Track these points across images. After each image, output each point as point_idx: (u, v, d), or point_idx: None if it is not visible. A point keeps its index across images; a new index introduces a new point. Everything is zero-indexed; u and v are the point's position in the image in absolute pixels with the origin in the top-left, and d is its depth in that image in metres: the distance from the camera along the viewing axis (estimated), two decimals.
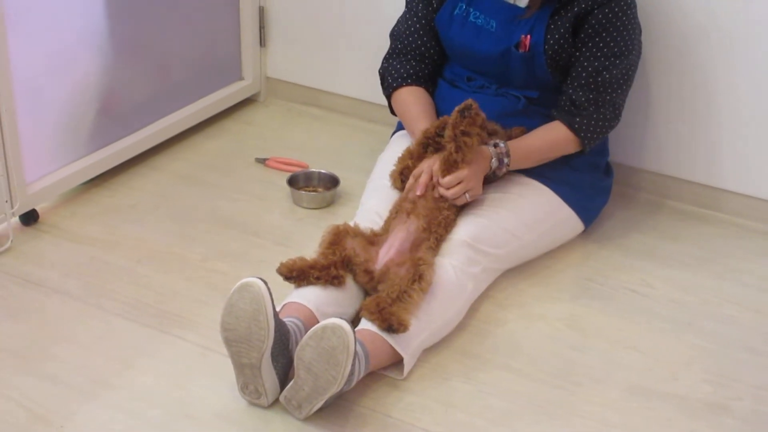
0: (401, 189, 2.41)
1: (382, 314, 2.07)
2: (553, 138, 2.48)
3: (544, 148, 2.47)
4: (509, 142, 2.42)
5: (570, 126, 2.46)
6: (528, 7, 2.46)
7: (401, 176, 2.42)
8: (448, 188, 2.30)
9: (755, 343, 2.32)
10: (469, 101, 2.29)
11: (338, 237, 2.24)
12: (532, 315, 2.38)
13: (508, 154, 2.40)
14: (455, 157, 2.29)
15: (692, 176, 2.87)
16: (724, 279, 2.56)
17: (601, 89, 2.45)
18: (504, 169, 2.41)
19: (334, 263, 2.19)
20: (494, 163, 2.39)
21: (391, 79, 2.64)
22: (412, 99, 2.59)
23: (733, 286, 2.53)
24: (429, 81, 2.64)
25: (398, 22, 2.67)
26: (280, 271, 2.19)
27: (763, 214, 2.80)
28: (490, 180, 2.43)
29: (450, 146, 2.29)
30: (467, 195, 2.33)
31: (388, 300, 2.09)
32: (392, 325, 2.06)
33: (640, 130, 2.87)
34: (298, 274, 2.17)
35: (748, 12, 2.62)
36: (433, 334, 2.19)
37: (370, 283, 2.21)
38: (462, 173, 2.30)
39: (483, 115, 2.31)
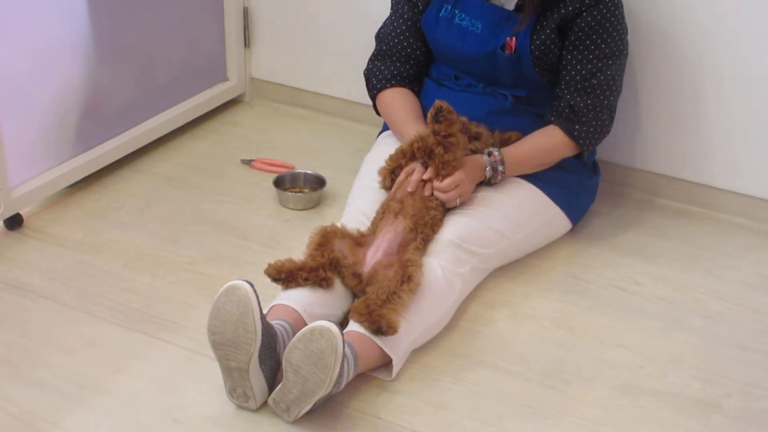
0: (389, 188, 2.40)
1: (372, 316, 2.06)
2: (549, 145, 2.48)
3: (540, 155, 2.48)
4: (504, 150, 2.42)
5: (569, 133, 2.47)
6: (518, 11, 2.46)
7: (392, 175, 2.41)
8: (445, 192, 2.31)
9: (744, 340, 2.32)
10: (437, 103, 2.30)
11: (326, 238, 2.23)
12: (520, 314, 2.38)
13: (502, 162, 2.41)
14: (447, 158, 2.30)
15: (679, 174, 2.87)
16: (713, 275, 2.56)
17: (598, 92, 2.45)
18: (499, 177, 2.42)
19: (323, 265, 2.18)
20: (488, 172, 2.40)
21: (375, 80, 2.64)
22: (399, 101, 2.59)
23: (721, 283, 2.53)
24: (414, 82, 2.64)
25: (384, 24, 2.67)
26: (268, 272, 2.18)
27: (750, 210, 2.80)
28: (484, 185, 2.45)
29: (438, 150, 2.30)
30: (458, 200, 2.35)
31: (377, 302, 2.08)
32: (381, 327, 2.05)
33: (627, 128, 2.87)
34: (286, 275, 2.16)
35: (730, 11, 2.62)
36: (421, 335, 2.18)
37: (358, 286, 2.20)
38: (459, 176, 2.32)
39: (455, 113, 2.33)
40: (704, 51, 2.70)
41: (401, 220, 2.27)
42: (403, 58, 2.62)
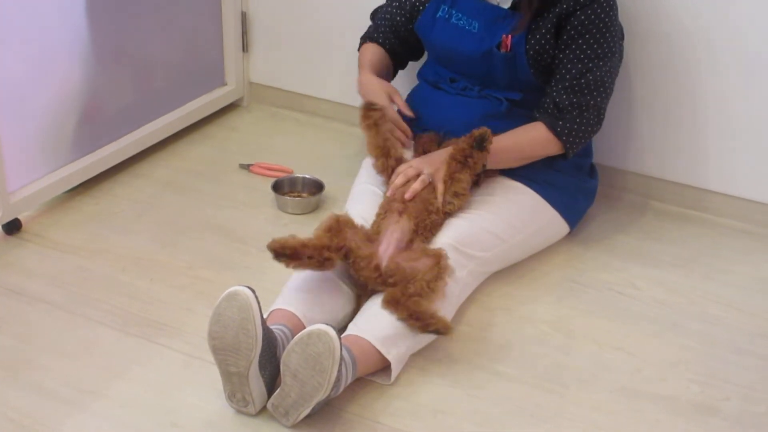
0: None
1: (423, 318, 2.07)
2: (532, 136, 2.47)
3: (523, 147, 2.47)
4: None
5: (552, 128, 2.46)
6: (514, 9, 2.46)
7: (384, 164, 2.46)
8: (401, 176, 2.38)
9: (742, 343, 2.32)
10: (483, 131, 2.32)
11: (338, 224, 2.20)
12: (518, 318, 2.38)
13: None
14: (462, 176, 2.35)
15: (676, 177, 2.87)
16: (710, 279, 2.56)
17: (585, 92, 2.44)
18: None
19: (327, 246, 2.15)
20: None
21: (362, 38, 2.79)
22: (368, 53, 2.72)
23: (718, 286, 2.53)
24: (391, 48, 2.74)
25: (379, 7, 2.80)
26: (272, 247, 2.13)
27: (746, 214, 2.81)
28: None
29: (465, 169, 2.35)
30: (424, 176, 2.35)
31: (416, 297, 2.10)
32: (439, 329, 2.08)
33: (623, 132, 2.88)
34: (290, 252, 2.12)
35: (731, 13, 2.63)
36: (420, 339, 2.18)
37: (378, 279, 2.18)
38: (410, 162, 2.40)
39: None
40: (700, 54, 2.70)
41: (405, 219, 2.28)
42: (389, 26, 2.73)
